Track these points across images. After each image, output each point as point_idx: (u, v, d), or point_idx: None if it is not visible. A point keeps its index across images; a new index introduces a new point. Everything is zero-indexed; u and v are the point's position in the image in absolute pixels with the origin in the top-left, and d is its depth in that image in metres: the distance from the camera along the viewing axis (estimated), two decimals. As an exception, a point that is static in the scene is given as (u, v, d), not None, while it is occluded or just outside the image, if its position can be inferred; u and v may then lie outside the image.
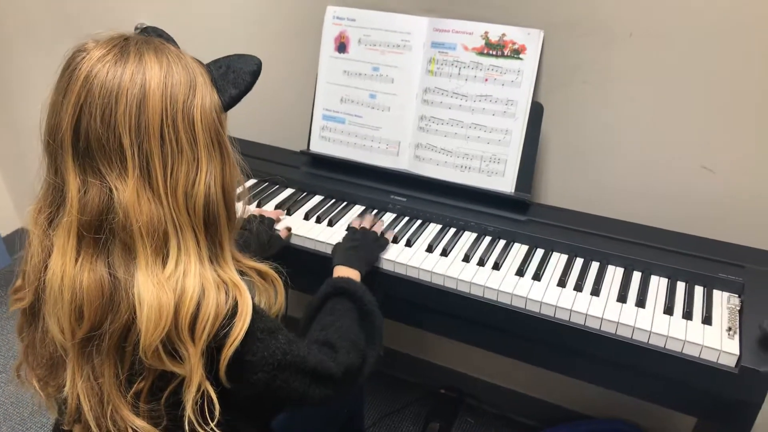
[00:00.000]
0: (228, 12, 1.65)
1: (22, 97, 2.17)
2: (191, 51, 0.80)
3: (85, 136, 0.71)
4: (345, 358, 0.89)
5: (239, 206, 0.85)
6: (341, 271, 1.09)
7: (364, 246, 1.17)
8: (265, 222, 1.26)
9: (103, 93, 0.70)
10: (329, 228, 1.31)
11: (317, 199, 1.43)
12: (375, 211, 1.36)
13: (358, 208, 1.38)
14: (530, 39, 1.26)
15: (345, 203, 1.40)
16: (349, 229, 1.23)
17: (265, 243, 1.21)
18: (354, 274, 1.08)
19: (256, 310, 0.79)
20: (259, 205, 1.38)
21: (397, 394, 1.90)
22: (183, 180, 0.74)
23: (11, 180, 2.42)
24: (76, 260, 0.73)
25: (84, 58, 0.71)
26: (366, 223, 1.26)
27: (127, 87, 0.70)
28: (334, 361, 0.88)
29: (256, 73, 0.82)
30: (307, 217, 1.34)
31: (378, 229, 1.25)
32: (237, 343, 0.75)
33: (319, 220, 1.32)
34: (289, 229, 1.29)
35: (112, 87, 0.70)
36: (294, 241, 1.29)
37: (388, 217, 1.35)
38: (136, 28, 0.81)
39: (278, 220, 1.32)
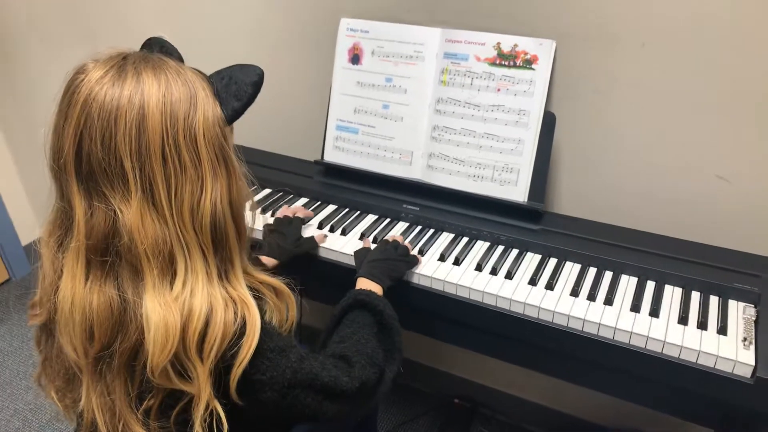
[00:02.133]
0: (242, 24, 1.67)
1: (42, 110, 2.21)
2: (203, 64, 0.78)
3: (87, 160, 0.70)
4: (360, 373, 0.87)
5: (248, 217, 0.84)
6: (363, 284, 1.07)
7: (391, 260, 1.14)
8: (294, 223, 1.27)
9: (102, 116, 0.69)
10: (342, 237, 1.32)
11: (331, 208, 1.44)
12: (388, 220, 1.37)
13: (371, 218, 1.39)
14: (542, 49, 1.26)
15: (358, 212, 1.41)
16: (382, 241, 1.22)
17: (294, 243, 1.22)
18: (376, 288, 1.06)
19: (266, 330, 0.78)
20: (272, 215, 1.39)
21: (411, 403, 1.89)
22: (188, 199, 0.73)
23: (32, 190, 2.47)
24: (86, 283, 0.73)
25: (83, 80, 0.71)
26: (399, 238, 1.24)
27: (126, 109, 0.69)
28: (349, 376, 0.86)
29: (257, 84, 0.79)
30: (320, 226, 1.35)
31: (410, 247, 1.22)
32: (245, 363, 0.75)
33: (332, 230, 1.33)
34: (325, 236, 1.30)
35: (110, 110, 0.69)
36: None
37: (401, 226, 1.36)
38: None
39: (307, 220, 1.32)
